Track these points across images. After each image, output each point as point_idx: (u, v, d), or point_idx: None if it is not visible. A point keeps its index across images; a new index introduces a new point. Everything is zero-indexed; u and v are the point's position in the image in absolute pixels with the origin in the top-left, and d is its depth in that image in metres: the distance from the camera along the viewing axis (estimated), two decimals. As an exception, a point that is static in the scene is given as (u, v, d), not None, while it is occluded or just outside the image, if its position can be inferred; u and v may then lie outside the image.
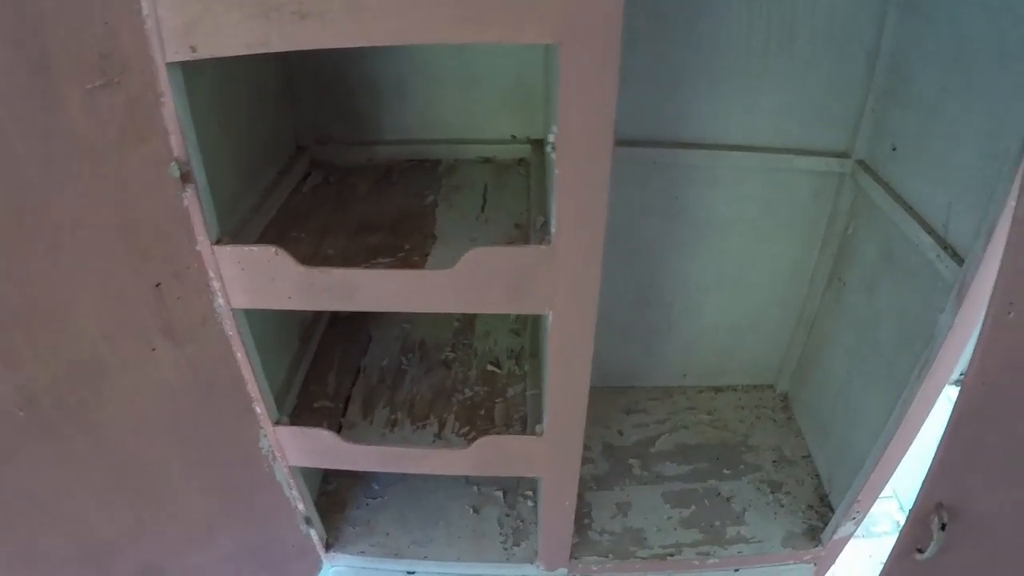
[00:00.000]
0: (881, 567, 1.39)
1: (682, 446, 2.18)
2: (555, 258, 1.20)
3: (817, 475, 2.10)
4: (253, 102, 1.56)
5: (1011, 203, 1.02)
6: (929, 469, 1.22)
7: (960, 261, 1.38)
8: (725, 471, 2.11)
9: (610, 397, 2.34)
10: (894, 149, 1.71)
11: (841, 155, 1.88)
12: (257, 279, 1.28)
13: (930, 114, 1.56)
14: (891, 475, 1.72)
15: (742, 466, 2.12)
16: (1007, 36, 1.28)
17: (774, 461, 2.14)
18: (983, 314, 1.08)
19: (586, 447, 2.12)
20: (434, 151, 1.80)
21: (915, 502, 1.25)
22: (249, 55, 1.05)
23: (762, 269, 2.11)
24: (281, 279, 1.27)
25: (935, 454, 1.21)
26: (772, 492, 2.05)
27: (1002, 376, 1.12)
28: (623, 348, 2.29)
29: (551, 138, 1.10)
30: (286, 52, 1.03)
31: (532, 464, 1.57)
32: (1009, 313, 1.06)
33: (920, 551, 1.25)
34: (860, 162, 1.85)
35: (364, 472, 2.01)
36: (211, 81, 1.32)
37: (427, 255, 1.38)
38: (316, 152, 1.81)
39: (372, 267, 1.33)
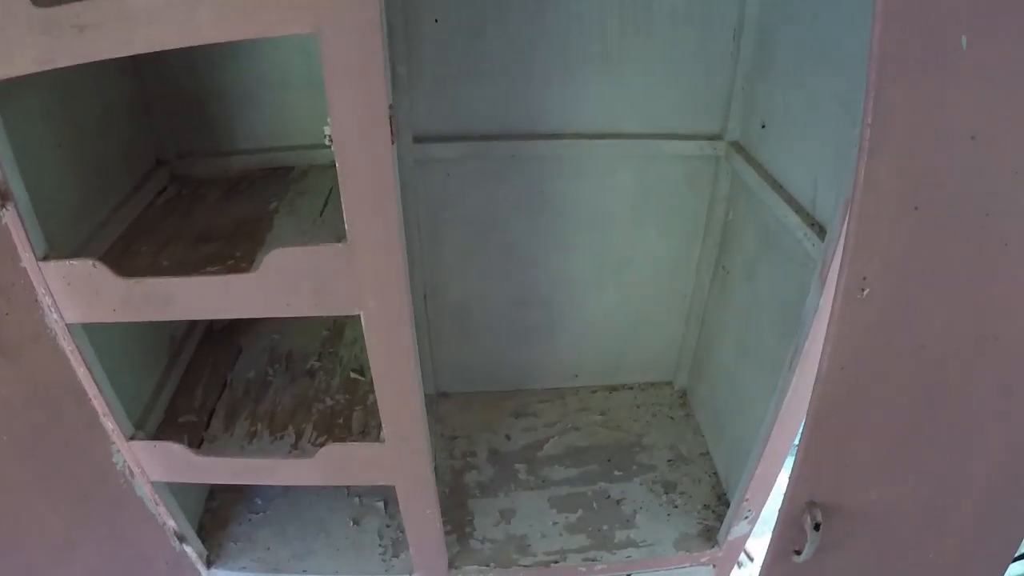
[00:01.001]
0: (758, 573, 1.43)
1: (572, 449, 2.24)
2: (354, 255, 1.27)
3: (715, 473, 2.16)
4: (102, 120, 1.63)
5: (860, 169, 1.06)
6: (793, 466, 1.27)
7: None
8: (616, 473, 2.16)
9: (498, 401, 2.41)
10: (763, 127, 1.78)
11: (714, 137, 1.95)
12: (83, 293, 1.34)
13: (792, 85, 1.64)
14: (779, 469, 1.79)
15: (635, 467, 2.18)
16: None
17: (669, 460, 2.20)
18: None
19: (471, 453, 2.20)
20: (287, 158, 1.89)
21: (783, 502, 1.29)
22: (92, 74, 1.14)
23: (644, 262, 2.18)
24: (104, 292, 1.33)
25: (797, 450, 1.26)
26: (666, 492, 2.11)
27: (862, 361, 1.17)
28: (507, 350, 2.36)
29: (327, 130, 1.16)
30: (138, 68, 1.10)
31: (380, 471, 1.62)
32: (863, 290, 1.10)
33: (797, 552, 1.29)
34: (734, 143, 1.92)
35: (247, 487, 2.07)
36: (46, 101, 1.40)
37: (253, 261, 1.45)
38: (176, 166, 1.88)
39: (203, 275, 1.39)
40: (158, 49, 1.12)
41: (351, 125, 1.15)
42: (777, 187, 1.68)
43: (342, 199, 1.21)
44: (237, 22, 1.09)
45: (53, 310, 1.37)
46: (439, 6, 1.75)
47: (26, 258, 1.31)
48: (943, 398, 1.25)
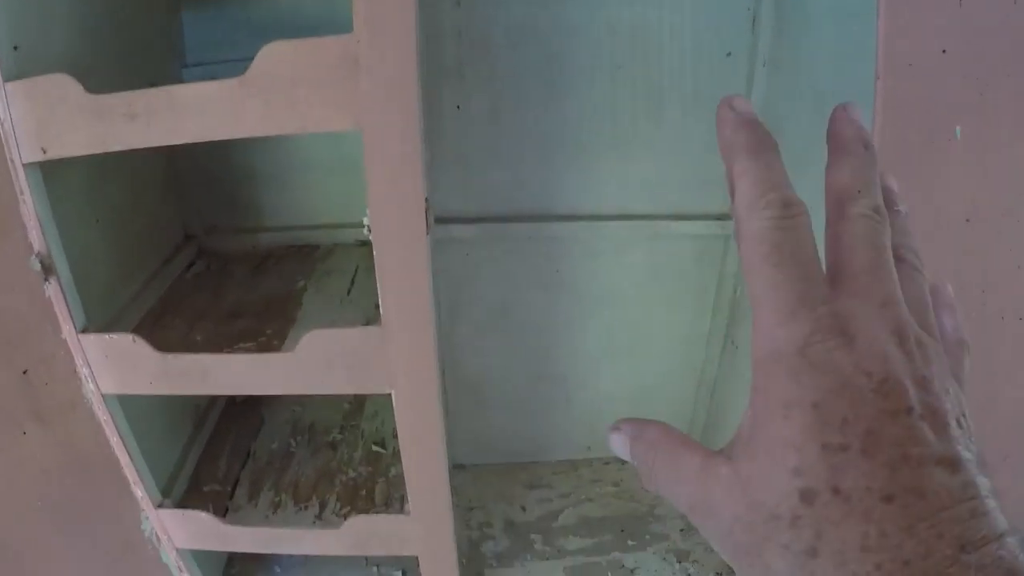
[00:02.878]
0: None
1: (586, 519, 2.29)
2: (387, 338, 1.34)
3: (727, 542, 2.21)
4: (135, 195, 1.72)
5: None
6: None
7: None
8: (630, 542, 2.21)
9: (513, 473, 2.46)
10: (768, 207, 1.89)
11: (722, 217, 2.05)
12: (120, 365, 1.41)
13: (798, 168, 1.73)
14: None
15: (648, 536, 2.23)
16: (857, 85, 1.42)
17: (681, 530, 2.25)
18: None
19: (487, 524, 2.26)
20: (313, 236, 1.98)
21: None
22: (128, 153, 1.20)
23: (655, 337, 2.26)
24: (141, 365, 1.41)
25: None
26: (679, 561, 2.15)
27: None
28: (522, 423, 2.42)
29: (366, 221, 1.26)
30: (169, 147, 1.20)
31: (404, 542, 1.68)
32: None
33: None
34: (741, 222, 2.02)
35: (266, 555, 2.14)
36: (86, 177, 1.49)
37: (285, 339, 1.54)
38: (204, 241, 1.98)
39: (233, 352, 1.47)
40: (206, 139, 1.21)
41: (389, 217, 1.25)
42: (784, 264, 1.76)
43: (378, 285, 1.30)
44: (283, 118, 1.18)
45: (90, 381, 1.44)
46: (461, 94, 1.86)
47: (66, 330, 1.39)
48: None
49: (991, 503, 0.36)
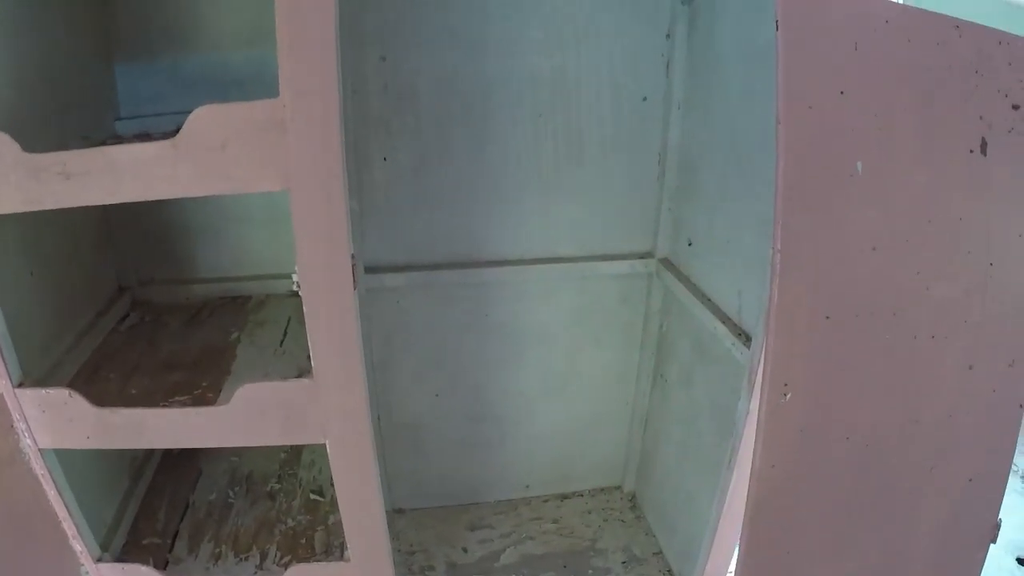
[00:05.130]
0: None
1: (528, 557, 2.35)
2: (319, 390, 1.41)
3: (670, 571, 2.29)
4: (69, 250, 1.77)
5: (773, 289, 1.22)
6: (737, 560, 1.40)
7: (752, 348, 1.60)
8: (572, 579, 2.28)
9: (453, 515, 2.52)
10: (690, 244, 1.99)
11: (645, 256, 2.17)
12: (57, 420, 1.45)
13: (715, 205, 1.85)
14: (730, 561, 1.93)
15: (590, 571, 2.29)
16: (768, 124, 1.45)
17: (623, 562, 2.32)
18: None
19: (430, 567, 2.31)
20: (246, 287, 2.05)
21: (730, 594, 1.43)
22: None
23: (586, 374, 2.36)
24: (78, 420, 1.45)
25: (739, 544, 1.39)
26: (621, 594, 2.24)
27: (791, 458, 1.32)
28: (461, 465, 2.49)
29: (295, 277, 1.32)
30: None
31: None
32: (785, 395, 1.26)
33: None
34: (663, 260, 2.13)
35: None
36: (21, 231, 1.52)
37: (219, 392, 1.58)
38: (138, 292, 2.03)
39: (169, 405, 1.52)
40: (140, 199, 1.27)
41: (317, 273, 1.31)
42: (705, 300, 1.88)
43: (308, 338, 1.36)
44: (214, 179, 1.25)
45: (27, 435, 1.47)
46: (387, 146, 1.95)
47: (2, 385, 1.42)
48: (875, 481, 1.38)
49: None
